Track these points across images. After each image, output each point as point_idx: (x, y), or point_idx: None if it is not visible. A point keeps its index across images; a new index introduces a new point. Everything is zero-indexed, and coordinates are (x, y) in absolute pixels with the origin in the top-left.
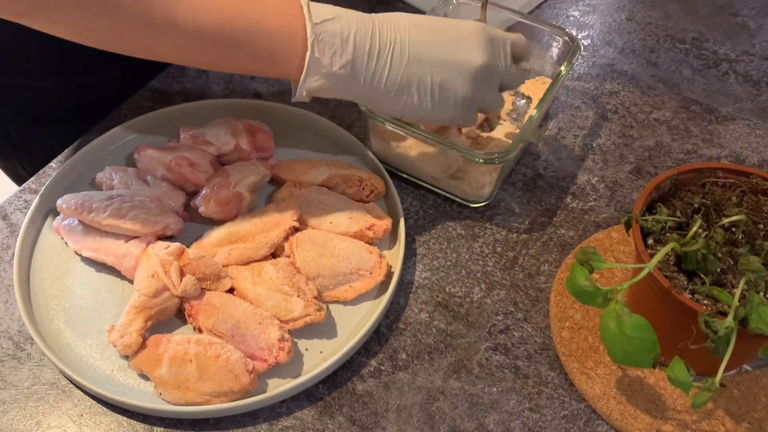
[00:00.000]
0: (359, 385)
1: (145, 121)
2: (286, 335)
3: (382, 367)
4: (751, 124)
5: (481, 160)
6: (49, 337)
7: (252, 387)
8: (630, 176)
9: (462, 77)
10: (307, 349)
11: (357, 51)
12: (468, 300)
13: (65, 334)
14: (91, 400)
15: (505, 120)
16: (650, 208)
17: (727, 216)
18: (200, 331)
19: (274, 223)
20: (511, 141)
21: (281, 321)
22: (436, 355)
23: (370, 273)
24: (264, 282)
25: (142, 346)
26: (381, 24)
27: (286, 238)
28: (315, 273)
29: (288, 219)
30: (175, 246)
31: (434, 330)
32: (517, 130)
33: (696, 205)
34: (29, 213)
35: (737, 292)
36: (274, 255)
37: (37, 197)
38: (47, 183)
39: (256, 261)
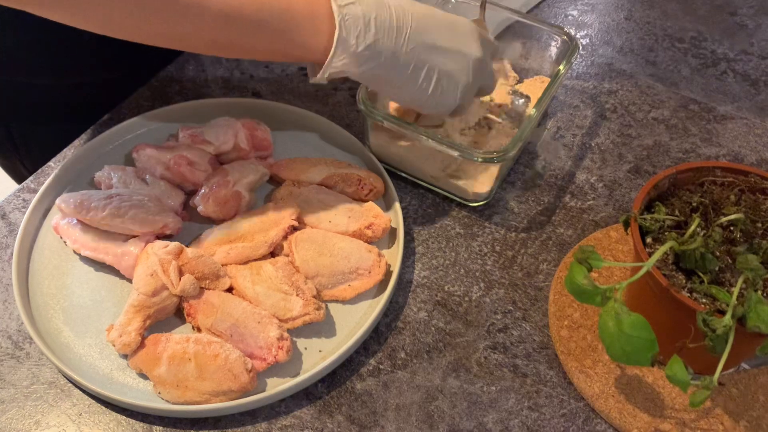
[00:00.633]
0: (358, 384)
1: (143, 120)
2: (285, 334)
3: (381, 366)
4: (749, 123)
5: (479, 159)
6: (48, 336)
7: (251, 386)
8: (628, 175)
9: (465, 67)
10: (306, 348)
11: (378, 33)
12: (467, 299)
13: (64, 333)
14: (90, 399)
15: (503, 119)
16: (649, 207)
17: (725, 215)
18: (199, 330)
19: (273, 222)
20: (509, 140)
21: (280, 320)
22: (435, 354)
23: (369, 272)
24: (263, 281)
25: (141, 345)
26: (397, 9)
27: (285, 237)
28: (314, 272)
29: (287, 218)
30: (173, 245)
31: (433, 329)
32: (516, 129)
33: (694, 204)
34: (28, 212)
35: (735, 290)
36: (273, 254)
37: (36, 196)
38: (46, 182)
39: (255, 260)
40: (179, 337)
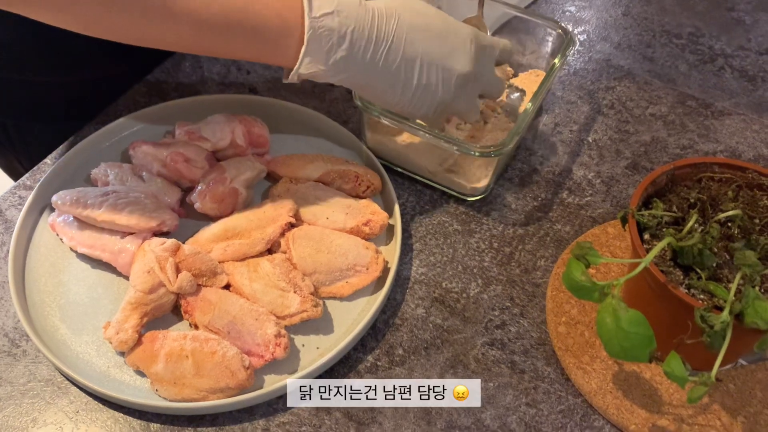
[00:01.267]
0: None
1: (140, 117)
2: (283, 331)
3: (378, 363)
4: (746, 119)
5: (476, 154)
6: (45, 333)
7: (248, 383)
8: (626, 171)
9: (445, 82)
10: (303, 345)
11: (352, 47)
12: (464, 295)
13: (61, 330)
14: (87, 396)
15: (500, 113)
16: (646, 203)
17: (723, 211)
18: (196, 327)
19: (271, 219)
20: (506, 134)
21: (278, 317)
22: (433, 351)
23: (367, 269)
24: (260, 278)
25: (138, 342)
26: (381, 17)
27: (282, 234)
28: (311, 269)
29: (284, 215)
30: (170, 242)
31: (431, 325)
32: (512, 123)
33: (692, 200)
34: (24, 209)
35: (733, 286)
36: (270, 251)
37: (32, 193)
38: (42, 179)
39: (253, 257)
40: (176, 334)
